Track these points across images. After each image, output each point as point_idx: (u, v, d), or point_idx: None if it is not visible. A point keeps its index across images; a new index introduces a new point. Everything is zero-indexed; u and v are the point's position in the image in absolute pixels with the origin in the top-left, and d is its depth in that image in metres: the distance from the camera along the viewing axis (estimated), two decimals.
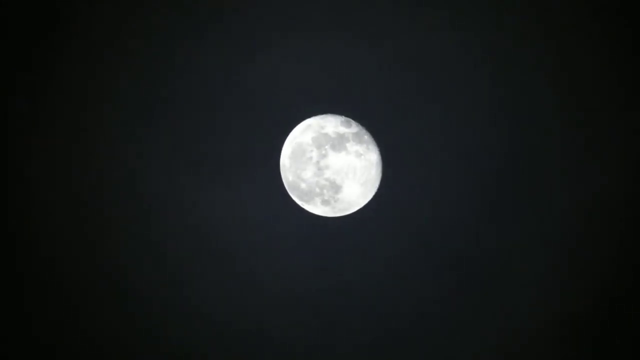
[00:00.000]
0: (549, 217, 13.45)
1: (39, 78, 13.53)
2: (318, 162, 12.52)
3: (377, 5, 13.29)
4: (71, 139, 13.62)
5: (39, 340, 13.60)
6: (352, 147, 12.69)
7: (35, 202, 13.60)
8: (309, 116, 13.11)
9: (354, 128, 12.89)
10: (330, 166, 12.51)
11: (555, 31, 13.27)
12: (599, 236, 13.39)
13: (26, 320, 13.56)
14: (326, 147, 12.55)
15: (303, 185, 12.76)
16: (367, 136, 12.96)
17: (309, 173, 12.60)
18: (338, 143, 12.62)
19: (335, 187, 12.61)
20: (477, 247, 13.57)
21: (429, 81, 13.36)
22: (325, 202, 12.85)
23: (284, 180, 13.16)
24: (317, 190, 12.67)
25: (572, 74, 13.31)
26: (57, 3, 13.49)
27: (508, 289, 13.56)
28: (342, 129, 12.80)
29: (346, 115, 13.04)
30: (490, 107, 13.40)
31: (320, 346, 13.76)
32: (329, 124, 12.85)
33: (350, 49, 13.32)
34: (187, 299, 13.77)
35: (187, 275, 13.76)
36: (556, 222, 13.42)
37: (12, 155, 13.51)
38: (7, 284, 13.54)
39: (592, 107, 13.30)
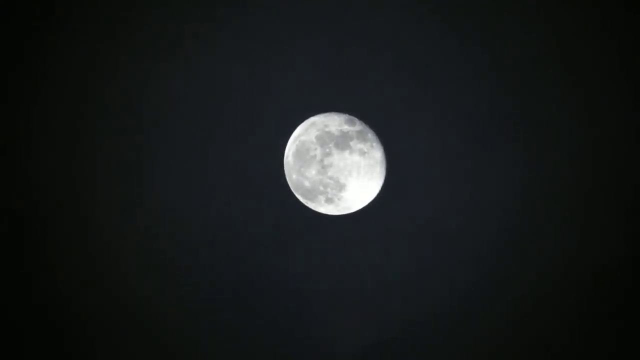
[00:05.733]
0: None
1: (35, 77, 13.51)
2: (322, 160, 12.51)
3: (382, 6, 13.33)
4: (72, 140, 13.58)
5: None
6: (356, 145, 12.67)
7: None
8: (313, 114, 13.10)
9: (357, 126, 12.88)
10: (334, 164, 12.49)
11: (557, 35, 13.36)
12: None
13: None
14: (330, 145, 12.54)
15: (307, 184, 12.73)
16: (370, 134, 12.95)
17: (312, 171, 12.58)
18: (342, 141, 12.61)
19: (339, 186, 12.59)
20: (480, 243, 13.61)
21: (432, 80, 13.40)
22: (329, 201, 12.82)
23: (287, 179, 13.14)
24: (321, 188, 12.64)
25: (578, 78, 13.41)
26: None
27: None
28: (346, 127, 12.80)
29: (350, 114, 13.04)
30: (492, 106, 13.46)
31: (322, 344, 13.74)
32: (332, 122, 12.84)
33: (354, 49, 13.34)
34: (191, 297, 13.73)
35: (189, 276, 13.71)
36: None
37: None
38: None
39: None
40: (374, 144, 12.92)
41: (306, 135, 12.78)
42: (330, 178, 12.53)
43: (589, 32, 13.29)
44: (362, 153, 12.70)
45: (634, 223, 13.38)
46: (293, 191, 13.13)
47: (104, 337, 13.62)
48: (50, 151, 13.55)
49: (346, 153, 12.57)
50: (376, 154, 12.91)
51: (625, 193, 13.40)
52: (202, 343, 13.74)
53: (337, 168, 12.50)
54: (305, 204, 13.18)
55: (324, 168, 12.50)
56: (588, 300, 13.49)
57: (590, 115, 13.38)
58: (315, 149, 12.57)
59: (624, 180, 13.37)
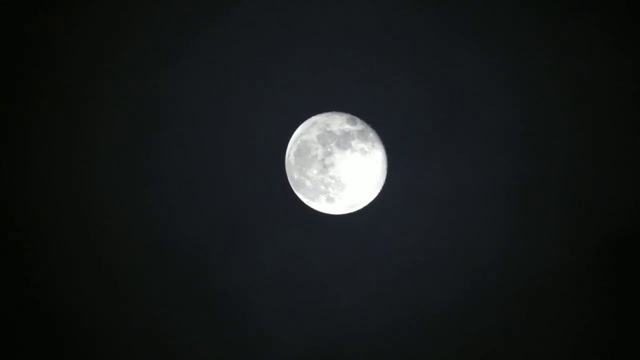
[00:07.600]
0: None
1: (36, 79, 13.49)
2: (323, 159, 12.52)
3: (383, 5, 13.36)
4: (72, 142, 13.57)
5: None
6: (357, 144, 12.69)
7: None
8: (314, 114, 13.11)
9: (359, 126, 12.90)
10: (336, 164, 12.51)
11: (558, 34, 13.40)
12: None
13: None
14: (331, 144, 12.55)
15: (308, 183, 12.74)
16: (372, 134, 12.97)
17: (314, 171, 12.59)
18: (343, 141, 12.62)
19: (341, 185, 12.60)
20: (485, 243, 13.63)
21: (434, 79, 13.42)
22: (330, 200, 12.83)
23: (289, 178, 13.14)
24: (322, 188, 12.65)
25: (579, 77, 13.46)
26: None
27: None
28: (348, 127, 12.81)
29: (351, 113, 13.05)
30: (493, 106, 13.49)
31: (324, 345, 13.75)
32: (334, 122, 12.85)
33: (356, 47, 13.37)
34: (191, 298, 13.73)
35: (189, 276, 13.72)
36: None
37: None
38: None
39: None
40: (375, 144, 12.94)
41: (307, 135, 12.79)
42: (332, 177, 12.54)
43: (590, 32, 13.34)
44: (364, 152, 12.71)
45: (633, 222, 13.42)
46: (294, 191, 13.14)
47: (103, 337, 13.61)
48: (50, 151, 13.54)
49: (347, 152, 12.58)
50: (377, 154, 12.93)
51: (624, 193, 13.44)
52: (202, 344, 13.74)
53: (339, 167, 12.51)
54: (307, 204, 13.19)
55: (325, 167, 12.51)
56: (588, 300, 13.52)
57: (591, 115, 13.42)
58: (317, 148, 12.58)
59: (624, 180, 13.41)
